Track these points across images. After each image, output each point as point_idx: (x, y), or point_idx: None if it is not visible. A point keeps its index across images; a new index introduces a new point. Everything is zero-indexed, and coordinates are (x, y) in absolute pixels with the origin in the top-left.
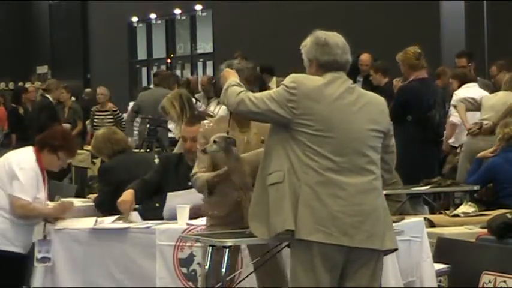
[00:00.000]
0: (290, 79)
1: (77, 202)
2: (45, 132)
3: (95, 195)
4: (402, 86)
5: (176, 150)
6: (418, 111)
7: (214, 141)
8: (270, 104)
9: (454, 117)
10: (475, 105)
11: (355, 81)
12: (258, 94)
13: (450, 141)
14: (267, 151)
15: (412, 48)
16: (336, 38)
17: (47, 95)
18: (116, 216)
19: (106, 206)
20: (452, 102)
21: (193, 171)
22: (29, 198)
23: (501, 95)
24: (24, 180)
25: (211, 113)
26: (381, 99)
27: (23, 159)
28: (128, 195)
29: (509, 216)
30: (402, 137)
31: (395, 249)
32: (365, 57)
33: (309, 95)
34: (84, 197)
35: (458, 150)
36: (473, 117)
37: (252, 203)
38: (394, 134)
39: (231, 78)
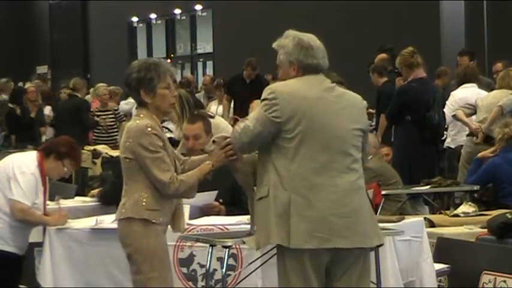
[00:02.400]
0: (268, 91)
1: (77, 202)
2: (52, 140)
3: (97, 190)
4: (401, 86)
5: (178, 150)
6: (417, 112)
7: (213, 141)
8: (257, 125)
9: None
10: (471, 110)
11: None
12: (241, 124)
13: (447, 141)
14: (259, 165)
15: (406, 49)
16: (317, 41)
17: (76, 93)
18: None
19: (112, 198)
20: (449, 114)
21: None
22: (28, 202)
23: (495, 93)
24: (23, 184)
25: (211, 113)
26: (359, 98)
27: (24, 164)
28: None
29: (509, 216)
30: (401, 137)
31: (381, 245)
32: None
33: (289, 98)
34: (85, 197)
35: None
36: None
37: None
38: (394, 134)
39: (251, 114)
